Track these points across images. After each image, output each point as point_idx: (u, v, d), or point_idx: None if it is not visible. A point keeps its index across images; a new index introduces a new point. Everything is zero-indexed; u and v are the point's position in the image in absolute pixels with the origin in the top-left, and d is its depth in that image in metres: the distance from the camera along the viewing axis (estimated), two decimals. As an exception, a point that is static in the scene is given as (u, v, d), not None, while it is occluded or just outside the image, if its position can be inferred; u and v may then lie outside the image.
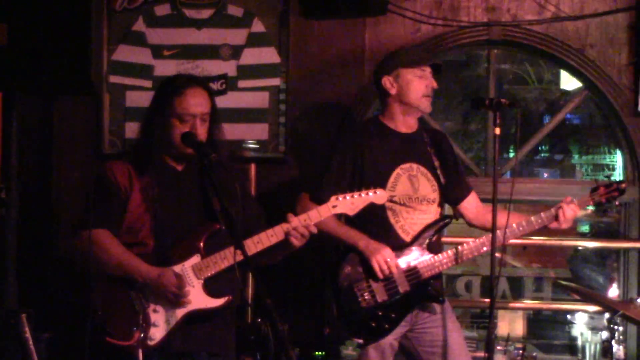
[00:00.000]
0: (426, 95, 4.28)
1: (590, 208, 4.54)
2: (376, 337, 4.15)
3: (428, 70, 4.29)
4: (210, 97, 3.70)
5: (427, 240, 4.23)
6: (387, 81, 4.28)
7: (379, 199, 3.80)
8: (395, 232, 4.22)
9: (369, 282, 4.14)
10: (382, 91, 4.33)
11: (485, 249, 4.19)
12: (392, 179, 4.23)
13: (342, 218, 4.19)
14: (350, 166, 4.18)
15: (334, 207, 3.71)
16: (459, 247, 4.23)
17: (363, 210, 4.13)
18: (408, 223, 4.24)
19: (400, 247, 4.17)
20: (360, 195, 3.75)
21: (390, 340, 4.19)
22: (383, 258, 4.08)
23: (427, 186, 4.31)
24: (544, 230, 4.47)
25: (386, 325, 4.14)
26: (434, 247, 4.25)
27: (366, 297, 4.13)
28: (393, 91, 4.27)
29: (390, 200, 4.20)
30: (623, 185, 4.34)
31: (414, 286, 4.17)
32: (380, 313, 4.14)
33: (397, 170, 4.25)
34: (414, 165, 4.30)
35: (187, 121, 3.59)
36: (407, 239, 4.22)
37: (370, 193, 3.77)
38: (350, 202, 3.73)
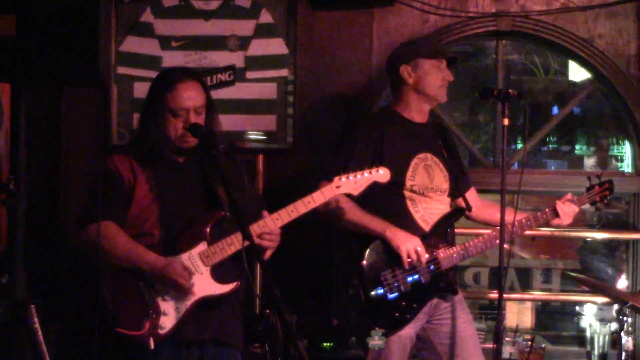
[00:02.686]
0: (443, 86, 4.29)
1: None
2: (398, 327, 4.15)
3: (444, 62, 4.30)
4: (204, 89, 3.70)
5: (446, 231, 4.24)
6: (404, 70, 4.28)
7: (382, 177, 3.80)
8: (415, 222, 4.22)
9: (394, 271, 4.14)
10: (398, 80, 4.32)
11: (497, 242, 4.19)
12: (411, 168, 4.23)
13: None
14: (371, 154, 4.16)
15: (337, 187, 3.71)
16: (472, 241, 4.25)
17: (382, 199, 4.16)
18: (427, 213, 4.24)
19: (420, 237, 4.18)
20: (363, 174, 3.75)
21: (411, 332, 4.20)
22: (413, 247, 4.08)
23: (441, 176, 4.32)
24: (546, 227, 4.51)
25: (407, 315, 4.15)
26: (451, 239, 4.26)
27: (391, 287, 4.13)
28: (410, 81, 4.27)
29: (410, 190, 4.21)
30: (613, 184, 4.52)
31: (434, 277, 4.18)
32: (403, 303, 4.14)
33: (415, 160, 4.25)
34: (429, 155, 4.30)
35: (180, 115, 3.60)
36: (427, 228, 4.23)
37: (373, 172, 3.77)
38: (353, 182, 3.73)
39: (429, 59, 4.27)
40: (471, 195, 4.52)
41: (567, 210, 4.37)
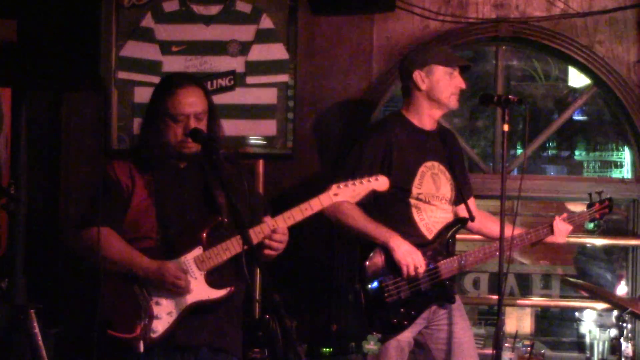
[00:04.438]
0: (454, 93, 4.30)
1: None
2: (395, 332, 4.17)
3: (457, 69, 4.31)
4: (206, 94, 3.70)
5: (448, 241, 4.25)
6: (418, 76, 4.28)
7: (381, 186, 3.78)
8: (419, 230, 4.24)
9: (395, 278, 4.15)
10: (410, 85, 4.33)
11: (497, 253, 4.19)
12: (418, 176, 4.25)
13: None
14: (379, 162, 4.17)
15: (335, 195, 3.68)
16: (472, 251, 4.27)
17: (388, 205, 4.17)
18: (431, 221, 4.26)
19: (423, 244, 4.20)
20: (361, 182, 3.72)
21: (409, 337, 4.23)
22: (413, 263, 4.10)
23: (446, 185, 4.34)
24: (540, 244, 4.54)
25: (405, 322, 4.17)
26: (452, 248, 4.28)
27: (392, 293, 4.14)
28: (424, 87, 4.28)
29: (417, 198, 4.23)
30: (612, 201, 4.59)
31: (434, 285, 4.19)
32: (402, 309, 4.16)
33: (422, 168, 4.27)
34: (436, 164, 4.32)
35: (180, 121, 3.59)
36: (430, 236, 4.25)
37: (372, 180, 3.74)
38: (352, 190, 3.70)
39: (443, 66, 4.28)
40: (471, 204, 4.52)
41: (562, 228, 4.42)
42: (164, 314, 3.53)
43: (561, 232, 4.42)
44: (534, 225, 4.49)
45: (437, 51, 4.43)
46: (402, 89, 4.44)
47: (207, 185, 3.66)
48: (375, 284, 4.15)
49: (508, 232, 4.05)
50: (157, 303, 3.53)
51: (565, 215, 4.49)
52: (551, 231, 4.42)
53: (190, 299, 3.55)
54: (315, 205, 3.66)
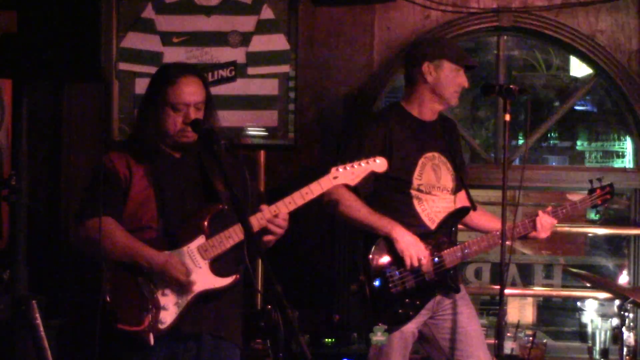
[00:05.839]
0: (457, 91, 4.29)
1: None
2: (401, 323, 4.17)
3: (463, 68, 4.30)
4: (205, 85, 3.70)
5: (450, 230, 4.25)
6: (427, 68, 4.26)
7: (379, 167, 3.78)
8: (421, 220, 4.23)
9: (399, 268, 4.15)
10: (416, 76, 4.30)
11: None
12: (418, 168, 4.24)
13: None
14: (379, 151, 4.16)
15: (335, 178, 3.69)
16: (475, 239, 4.27)
17: (389, 197, 4.17)
18: (433, 211, 4.26)
19: (426, 235, 4.19)
20: (360, 164, 3.73)
21: (413, 328, 4.22)
22: (416, 254, 4.10)
23: (447, 175, 4.33)
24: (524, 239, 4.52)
25: (410, 312, 4.17)
26: (455, 237, 4.28)
27: (396, 284, 4.14)
28: (430, 79, 4.26)
29: (417, 189, 4.22)
30: (613, 187, 4.53)
31: (438, 274, 4.19)
32: (407, 300, 4.16)
33: (422, 159, 4.26)
34: (436, 154, 4.31)
35: (180, 110, 3.59)
36: (432, 226, 4.24)
37: (370, 162, 3.75)
38: (350, 173, 3.71)
39: (452, 62, 4.26)
40: (462, 196, 4.50)
41: (545, 223, 4.36)
42: (171, 305, 3.54)
43: (544, 227, 4.36)
44: (533, 215, 4.45)
45: (449, 46, 4.37)
46: (406, 77, 4.41)
47: (205, 175, 3.66)
48: (380, 276, 4.15)
49: (498, 225, 4.05)
50: (164, 294, 3.54)
51: (549, 208, 4.45)
52: (534, 227, 4.38)
53: (196, 288, 3.55)
54: (315, 189, 3.66)
